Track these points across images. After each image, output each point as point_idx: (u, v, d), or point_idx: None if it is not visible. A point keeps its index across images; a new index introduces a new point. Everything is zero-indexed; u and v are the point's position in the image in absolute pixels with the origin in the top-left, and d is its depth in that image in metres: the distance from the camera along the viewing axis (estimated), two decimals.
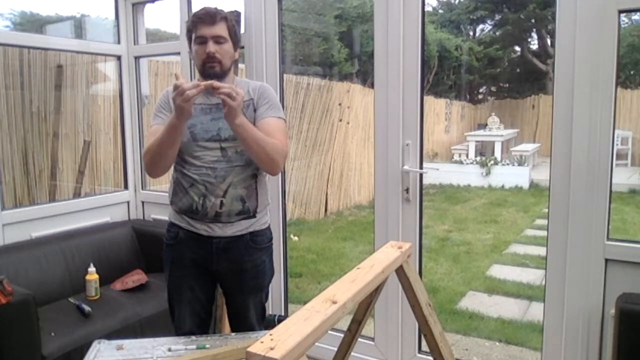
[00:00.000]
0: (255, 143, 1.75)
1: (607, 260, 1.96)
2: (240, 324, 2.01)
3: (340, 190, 7.33)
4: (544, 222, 4.76)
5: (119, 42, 3.28)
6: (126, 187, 3.38)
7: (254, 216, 1.91)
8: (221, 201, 1.83)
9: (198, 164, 1.83)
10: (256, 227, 1.92)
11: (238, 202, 1.86)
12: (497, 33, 13.46)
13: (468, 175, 9.23)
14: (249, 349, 0.89)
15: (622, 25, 2.14)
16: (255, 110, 1.88)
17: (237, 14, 2.75)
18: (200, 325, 1.98)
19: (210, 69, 1.83)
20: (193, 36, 1.86)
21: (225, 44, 1.85)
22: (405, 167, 2.39)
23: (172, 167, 1.91)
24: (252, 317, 1.99)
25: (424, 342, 2.38)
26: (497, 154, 9.88)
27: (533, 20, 12.73)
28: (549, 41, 12.85)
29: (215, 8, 1.87)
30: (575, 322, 2.04)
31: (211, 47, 1.82)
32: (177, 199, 1.90)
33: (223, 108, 1.69)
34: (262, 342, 0.91)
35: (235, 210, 1.86)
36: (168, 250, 1.97)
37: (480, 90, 14.10)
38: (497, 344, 3.42)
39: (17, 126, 3.92)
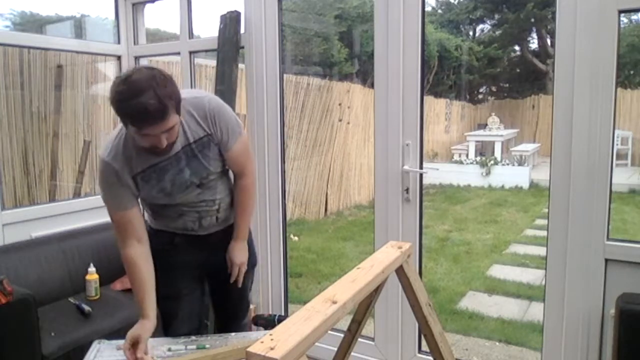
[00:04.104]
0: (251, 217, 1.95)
1: (607, 260, 1.96)
2: (239, 304, 2.04)
3: (340, 190, 7.32)
4: (544, 222, 4.75)
5: (119, 42, 3.28)
6: None
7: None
8: (216, 217, 1.86)
9: (183, 203, 1.77)
10: None
11: (229, 207, 1.89)
12: (497, 33, 13.45)
13: (468, 175, 9.22)
14: (249, 349, 0.89)
15: (622, 25, 2.13)
16: (217, 144, 1.72)
17: (237, 14, 2.75)
18: (199, 327, 1.97)
19: (160, 153, 1.60)
20: (131, 128, 1.49)
21: (174, 127, 1.54)
22: (405, 167, 2.39)
23: (145, 204, 1.83)
24: (248, 293, 2.05)
25: (424, 342, 2.38)
26: (497, 154, 9.86)
27: (532, 20, 12.72)
28: (549, 41, 12.84)
29: (160, 95, 1.43)
30: (575, 322, 2.04)
31: (164, 141, 1.52)
32: (166, 222, 1.84)
33: (184, 156, 1.67)
34: (262, 342, 0.91)
35: (228, 213, 1.90)
36: (161, 255, 1.77)
37: (480, 90, 14.09)
38: (497, 344, 3.42)
39: (17, 126, 3.92)
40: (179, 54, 3.07)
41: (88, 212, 3.08)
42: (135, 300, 1.70)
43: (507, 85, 13.96)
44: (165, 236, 1.85)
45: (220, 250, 1.89)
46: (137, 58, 3.32)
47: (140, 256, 1.69)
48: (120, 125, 1.65)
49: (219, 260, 1.90)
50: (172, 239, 1.86)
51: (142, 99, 1.42)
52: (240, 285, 1.91)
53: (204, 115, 1.67)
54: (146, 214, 1.89)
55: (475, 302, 4.17)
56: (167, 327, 1.91)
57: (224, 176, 1.84)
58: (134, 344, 1.60)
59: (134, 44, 3.30)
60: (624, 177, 8.11)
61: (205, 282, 2.00)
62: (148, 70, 1.51)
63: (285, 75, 3.13)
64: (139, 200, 1.76)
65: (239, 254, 1.87)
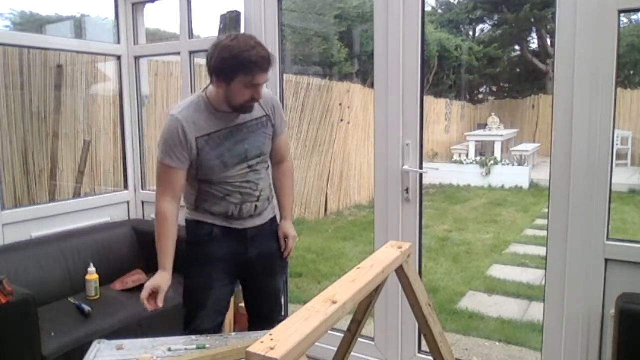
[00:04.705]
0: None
1: (607, 260, 1.96)
2: (274, 305, 2.11)
3: (340, 190, 7.32)
4: (544, 222, 4.75)
5: (119, 42, 3.28)
6: (126, 187, 3.38)
7: (270, 202, 2.03)
8: (255, 205, 1.92)
9: (230, 182, 1.87)
10: (272, 213, 2.05)
11: (267, 200, 1.98)
12: (497, 33, 13.46)
13: (468, 175, 9.22)
14: (249, 349, 0.89)
15: (622, 25, 2.13)
16: (273, 126, 1.95)
17: (237, 14, 2.75)
18: (221, 324, 1.99)
19: (249, 108, 1.81)
20: (242, 79, 1.70)
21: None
22: (405, 167, 2.39)
23: (192, 184, 1.90)
24: (281, 296, 2.16)
25: (424, 342, 2.38)
26: (497, 154, 9.87)
27: (532, 20, 12.73)
28: (549, 41, 12.86)
29: (267, 50, 1.72)
30: (575, 322, 2.04)
31: (261, 92, 1.77)
32: (209, 205, 1.90)
33: (242, 128, 1.85)
34: (262, 342, 0.91)
35: (265, 207, 1.97)
36: (197, 247, 1.93)
37: (480, 90, 14.10)
38: (497, 344, 3.42)
39: (17, 126, 3.92)
40: (179, 54, 3.07)
41: (88, 212, 3.09)
42: (157, 250, 1.82)
43: (507, 85, 13.98)
44: (204, 228, 1.92)
45: (254, 246, 1.96)
46: (137, 58, 3.32)
47: (171, 211, 1.83)
48: (196, 94, 1.88)
49: (252, 256, 1.96)
50: (211, 231, 1.91)
51: (257, 50, 1.67)
52: (288, 258, 2.07)
53: (265, 100, 1.90)
54: (187, 209, 1.95)
55: (475, 302, 4.16)
56: (190, 320, 1.93)
57: (267, 169, 1.98)
58: (152, 294, 1.75)
59: (134, 44, 3.30)
60: (624, 177, 8.12)
61: (235, 280, 2.04)
62: (242, 33, 1.78)
63: (285, 75, 3.13)
64: (188, 181, 1.88)
65: (292, 229, 2.06)
